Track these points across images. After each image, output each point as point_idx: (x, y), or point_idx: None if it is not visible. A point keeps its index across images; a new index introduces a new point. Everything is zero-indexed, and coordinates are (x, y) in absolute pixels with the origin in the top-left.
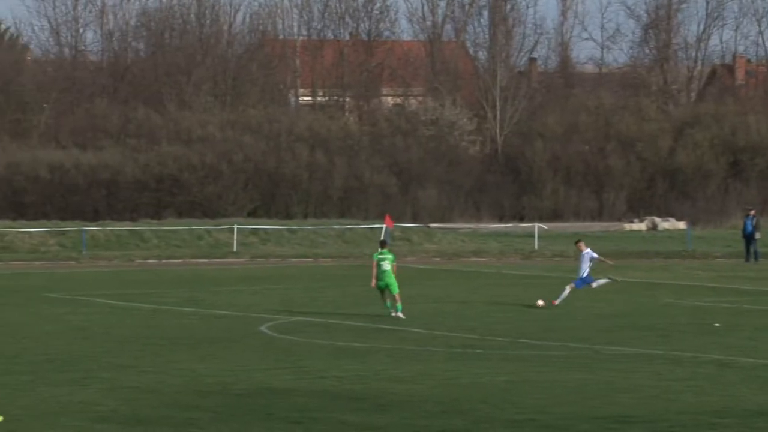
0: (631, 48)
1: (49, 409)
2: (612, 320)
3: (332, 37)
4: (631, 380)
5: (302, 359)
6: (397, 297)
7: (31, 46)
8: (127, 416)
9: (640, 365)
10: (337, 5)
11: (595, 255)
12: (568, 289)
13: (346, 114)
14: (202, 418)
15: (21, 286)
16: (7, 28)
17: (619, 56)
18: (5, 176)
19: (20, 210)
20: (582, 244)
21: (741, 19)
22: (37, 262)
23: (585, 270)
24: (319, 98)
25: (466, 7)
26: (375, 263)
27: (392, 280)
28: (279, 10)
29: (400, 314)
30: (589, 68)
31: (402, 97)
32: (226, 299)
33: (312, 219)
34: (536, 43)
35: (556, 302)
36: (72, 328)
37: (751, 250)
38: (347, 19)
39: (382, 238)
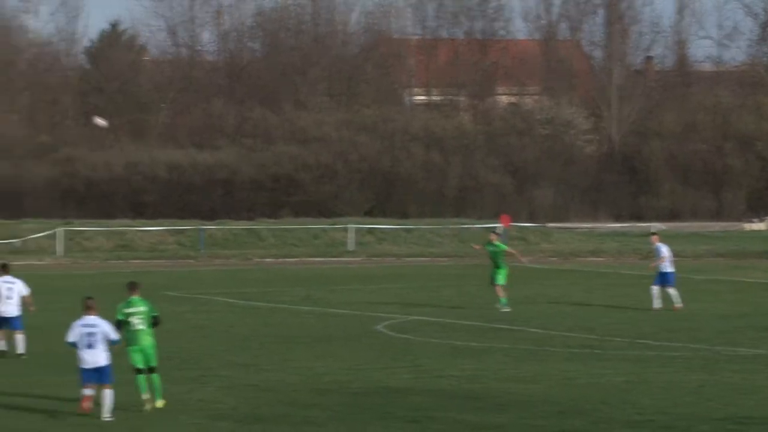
0: (749, 46)
1: (169, 407)
2: (732, 321)
3: (446, 36)
4: (751, 381)
5: (419, 358)
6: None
7: (149, 47)
8: (246, 414)
9: (760, 367)
10: (452, 4)
11: (664, 253)
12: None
13: (461, 113)
14: (320, 416)
15: (141, 284)
16: (125, 29)
17: (737, 54)
18: (124, 176)
19: (139, 209)
20: (655, 238)
21: None
22: (156, 261)
23: (667, 265)
24: (433, 97)
25: (582, 5)
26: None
27: None
28: (393, 10)
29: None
30: (707, 66)
31: (517, 96)
32: (343, 298)
33: (427, 218)
34: (653, 41)
35: (655, 306)
36: (191, 326)
37: None
38: (461, 18)
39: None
